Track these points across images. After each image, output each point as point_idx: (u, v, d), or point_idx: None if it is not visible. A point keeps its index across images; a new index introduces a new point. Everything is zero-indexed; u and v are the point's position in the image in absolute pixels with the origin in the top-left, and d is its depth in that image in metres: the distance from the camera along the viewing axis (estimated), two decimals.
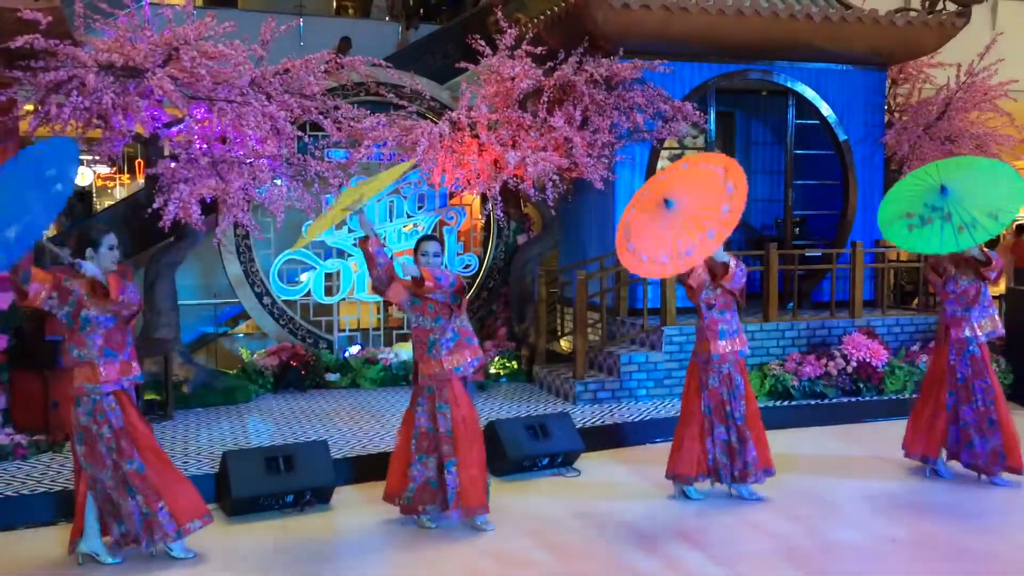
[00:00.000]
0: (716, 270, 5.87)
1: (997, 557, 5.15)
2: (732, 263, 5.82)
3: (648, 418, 7.79)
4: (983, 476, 6.40)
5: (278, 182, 7.95)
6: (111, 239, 4.93)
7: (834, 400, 8.38)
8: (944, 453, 6.55)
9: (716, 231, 5.12)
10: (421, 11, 14.29)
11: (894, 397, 8.43)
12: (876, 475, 6.65)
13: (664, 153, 9.52)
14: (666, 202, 5.33)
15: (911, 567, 5.01)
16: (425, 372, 5.51)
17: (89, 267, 4.77)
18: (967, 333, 6.37)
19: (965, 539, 5.41)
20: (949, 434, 6.47)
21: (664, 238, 5.27)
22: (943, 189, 5.88)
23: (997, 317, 6.49)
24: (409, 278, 5.37)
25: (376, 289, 5.54)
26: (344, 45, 11.34)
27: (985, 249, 6.25)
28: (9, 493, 5.74)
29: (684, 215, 5.27)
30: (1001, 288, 10.74)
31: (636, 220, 5.51)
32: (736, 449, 6.01)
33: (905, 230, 5.98)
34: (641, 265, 5.36)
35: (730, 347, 5.98)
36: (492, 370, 9.41)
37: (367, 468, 6.56)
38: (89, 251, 4.87)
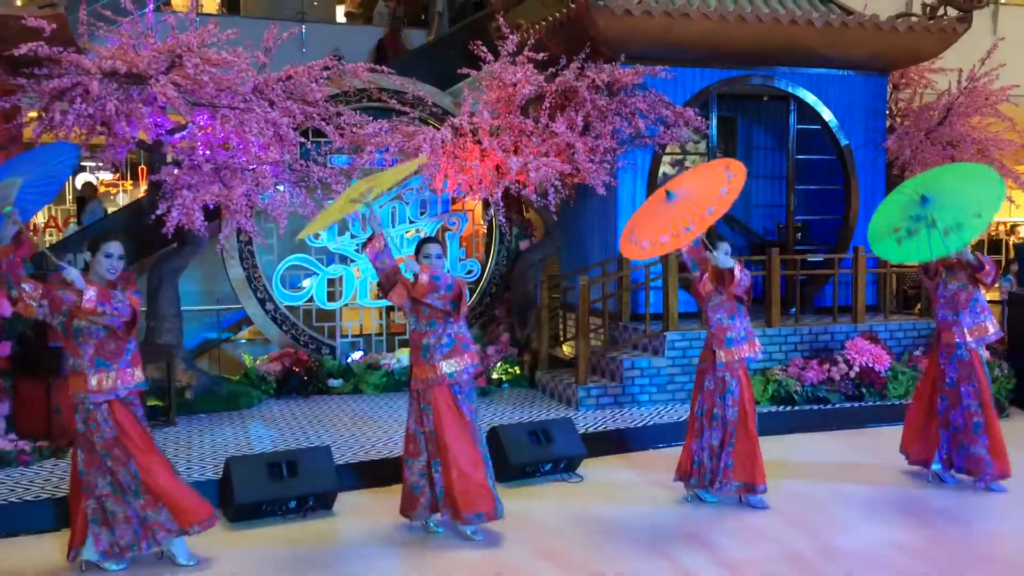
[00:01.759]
0: (723, 277, 5.87)
1: (999, 561, 5.14)
2: (736, 268, 5.83)
3: (651, 423, 7.79)
4: (977, 481, 6.41)
5: (281, 188, 7.97)
6: (109, 247, 4.87)
7: (837, 405, 8.37)
8: (939, 458, 6.54)
9: (715, 208, 5.37)
10: (423, 17, 14.30)
11: (897, 402, 8.42)
12: (879, 480, 6.65)
13: (666, 158, 9.54)
14: (667, 194, 5.66)
15: (914, 573, 5.00)
16: (418, 376, 5.47)
17: (72, 272, 4.67)
18: (956, 338, 6.38)
19: (968, 544, 5.41)
20: (942, 439, 6.48)
21: (664, 222, 5.54)
22: (923, 199, 5.91)
23: (990, 323, 6.46)
24: (411, 275, 5.37)
25: (381, 288, 5.51)
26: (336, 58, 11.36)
27: (979, 254, 6.27)
28: (12, 499, 5.74)
29: (683, 201, 5.56)
30: (995, 294, 10.72)
31: (639, 216, 5.87)
32: (715, 451, 6.01)
33: (894, 244, 5.99)
34: (643, 251, 5.58)
35: (736, 355, 5.98)
36: (494, 375, 9.42)
37: (370, 474, 6.57)
38: (86, 256, 4.89)
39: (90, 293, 4.68)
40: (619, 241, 5.92)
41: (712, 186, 5.55)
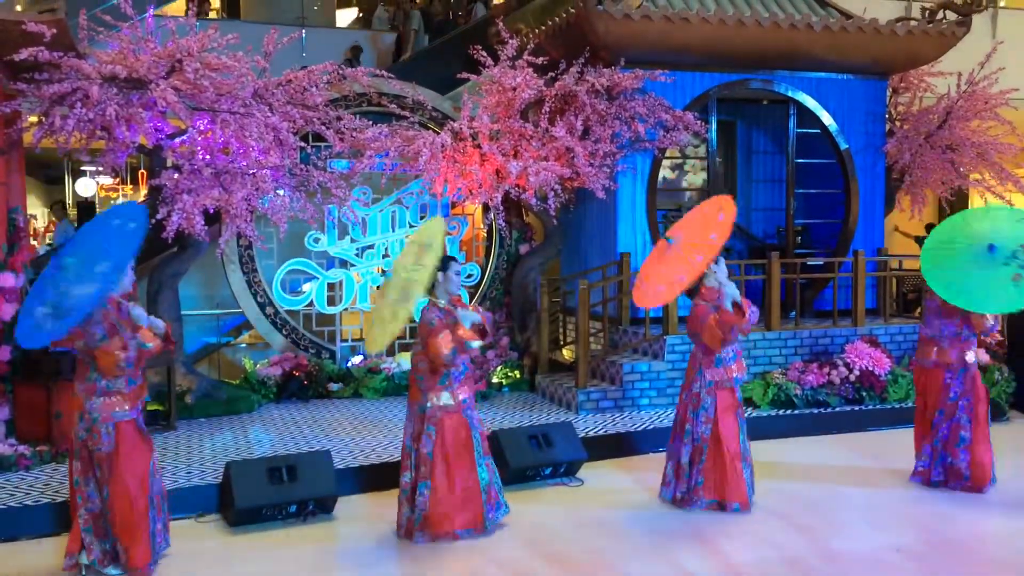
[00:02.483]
0: (729, 319, 5.86)
1: (999, 565, 5.14)
2: (747, 308, 5.89)
3: (651, 427, 7.78)
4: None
5: (281, 192, 7.98)
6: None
7: (837, 409, 8.37)
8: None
9: (703, 256, 5.72)
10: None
11: (897, 406, 8.41)
12: (879, 484, 6.64)
13: (665, 162, 9.54)
14: (667, 240, 6.04)
15: None
16: (436, 403, 5.48)
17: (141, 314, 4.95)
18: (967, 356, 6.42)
19: (968, 548, 5.41)
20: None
21: (662, 273, 5.98)
22: (990, 247, 5.96)
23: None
24: (469, 325, 5.47)
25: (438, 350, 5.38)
26: (354, 53, 11.38)
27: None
28: (12, 504, 5.74)
29: (680, 248, 5.94)
30: None
31: (647, 265, 6.32)
32: (684, 469, 6.03)
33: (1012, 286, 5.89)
34: (645, 298, 6.08)
35: (723, 375, 5.99)
36: (494, 379, 9.41)
37: (370, 478, 6.57)
38: None
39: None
40: (632, 290, 6.40)
41: (703, 230, 5.89)
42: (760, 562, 5.17)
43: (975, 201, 11.45)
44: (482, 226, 10.26)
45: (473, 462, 5.51)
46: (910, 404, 8.35)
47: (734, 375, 6.02)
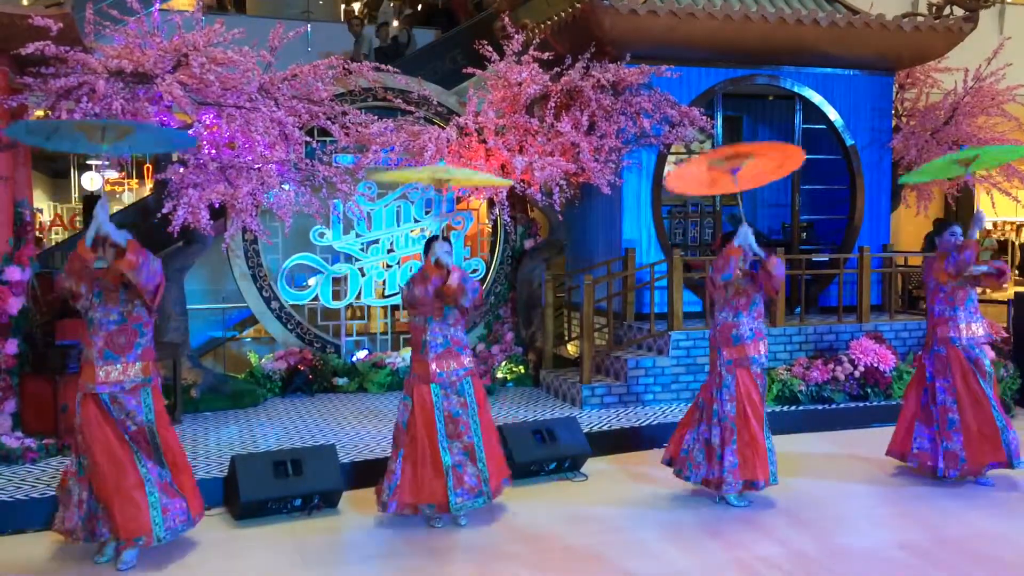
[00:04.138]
0: (763, 271, 5.92)
1: (1005, 562, 5.14)
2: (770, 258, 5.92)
3: (655, 423, 7.79)
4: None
5: (286, 187, 7.98)
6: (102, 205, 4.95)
7: (841, 405, 8.37)
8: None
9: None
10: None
11: (901, 402, 8.38)
12: (883, 480, 6.65)
13: (671, 158, 9.54)
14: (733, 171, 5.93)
15: (920, 573, 5.00)
16: (416, 371, 5.65)
17: (110, 228, 4.79)
18: (951, 332, 6.50)
19: (972, 544, 5.40)
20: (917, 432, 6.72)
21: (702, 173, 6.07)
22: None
23: (980, 326, 6.57)
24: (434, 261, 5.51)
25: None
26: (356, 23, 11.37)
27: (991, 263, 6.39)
28: (19, 496, 5.77)
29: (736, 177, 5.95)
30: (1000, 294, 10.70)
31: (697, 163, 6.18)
32: (715, 451, 5.98)
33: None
34: (673, 180, 6.34)
35: (741, 352, 5.97)
36: (499, 374, 9.43)
37: (375, 472, 6.54)
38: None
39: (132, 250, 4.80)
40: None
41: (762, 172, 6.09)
42: (765, 557, 5.17)
43: (981, 197, 11.42)
44: (487, 221, 10.25)
45: (436, 442, 5.53)
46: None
47: (751, 355, 5.98)
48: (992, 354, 8.74)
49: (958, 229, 6.58)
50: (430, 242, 5.64)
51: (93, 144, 4.83)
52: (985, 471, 6.44)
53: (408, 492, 5.54)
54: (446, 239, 5.75)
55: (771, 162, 6.03)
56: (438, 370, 5.57)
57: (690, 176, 6.18)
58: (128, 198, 15.86)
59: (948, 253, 6.43)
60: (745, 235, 5.89)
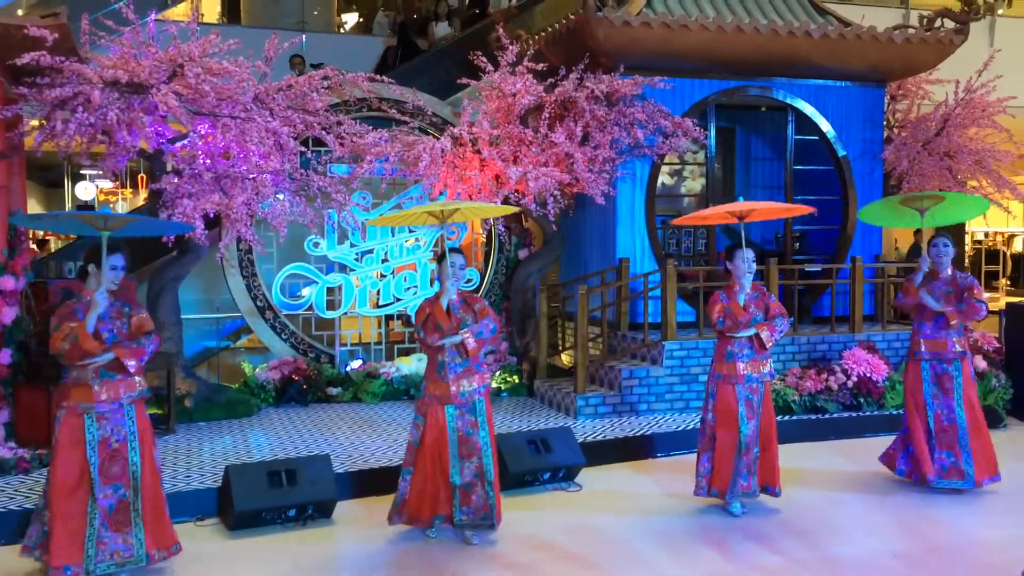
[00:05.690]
0: (722, 312, 6.06)
1: (997, 570, 5.15)
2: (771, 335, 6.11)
3: (649, 432, 7.80)
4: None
5: (281, 197, 7.99)
6: (114, 259, 4.90)
7: (835, 415, 8.40)
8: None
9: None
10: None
11: (895, 412, 8.43)
12: (876, 489, 6.66)
13: (664, 168, 9.57)
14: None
15: None
16: (432, 392, 5.55)
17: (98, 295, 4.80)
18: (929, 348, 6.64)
19: (966, 553, 5.43)
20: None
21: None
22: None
23: (950, 341, 6.59)
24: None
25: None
26: (297, 62, 11.35)
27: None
28: (12, 507, 5.75)
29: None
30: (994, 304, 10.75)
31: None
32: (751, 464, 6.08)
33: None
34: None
35: (733, 370, 6.00)
36: (493, 384, 9.43)
37: (369, 482, 6.58)
38: (92, 267, 4.91)
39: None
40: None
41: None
42: (759, 566, 5.18)
43: None
44: (481, 231, 10.28)
45: (446, 462, 5.47)
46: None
47: (742, 372, 5.98)
48: (984, 364, 8.81)
49: (940, 242, 6.59)
50: (446, 255, 5.56)
51: (95, 231, 4.87)
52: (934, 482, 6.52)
53: (414, 506, 5.52)
54: (461, 251, 5.74)
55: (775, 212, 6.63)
56: (458, 391, 5.49)
57: (698, 216, 6.94)
58: (122, 208, 15.85)
59: (915, 273, 6.59)
60: (744, 266, 6.10)
